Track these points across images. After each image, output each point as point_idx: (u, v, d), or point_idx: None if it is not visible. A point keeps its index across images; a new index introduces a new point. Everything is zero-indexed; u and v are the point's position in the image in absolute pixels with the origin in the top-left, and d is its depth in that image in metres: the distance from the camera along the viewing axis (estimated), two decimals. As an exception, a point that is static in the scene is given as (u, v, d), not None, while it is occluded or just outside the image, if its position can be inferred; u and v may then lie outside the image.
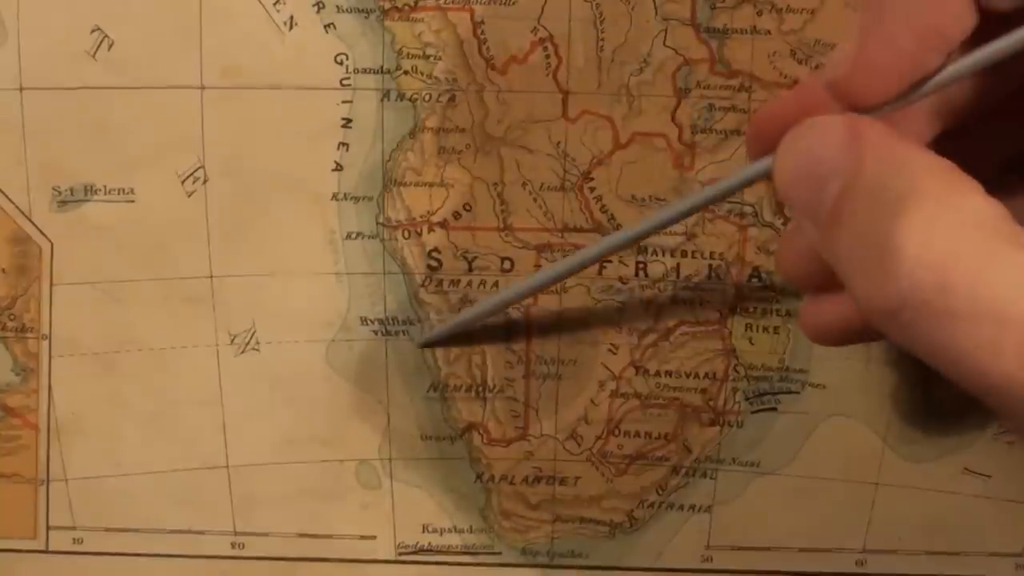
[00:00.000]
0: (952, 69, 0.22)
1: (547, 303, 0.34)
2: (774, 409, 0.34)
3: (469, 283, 0.34)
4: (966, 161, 0.24)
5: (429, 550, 0.35)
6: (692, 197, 0.27)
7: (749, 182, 0.26)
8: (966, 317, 0.19)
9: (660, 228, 0.28)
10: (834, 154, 0.22)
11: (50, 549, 0.35)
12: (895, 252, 0.20)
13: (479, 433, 0.35)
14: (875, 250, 0.21)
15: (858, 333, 0.25)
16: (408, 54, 0.33)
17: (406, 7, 0.32)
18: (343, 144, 0.33)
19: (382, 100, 0.33)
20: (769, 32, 0.32)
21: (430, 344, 0.34)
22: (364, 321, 0.34)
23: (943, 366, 0.20)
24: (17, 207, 0.33)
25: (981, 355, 0.19)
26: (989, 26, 0.22)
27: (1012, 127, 0.26)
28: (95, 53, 0.32)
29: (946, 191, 0.20)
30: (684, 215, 0.28)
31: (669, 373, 0.34)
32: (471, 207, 0.34)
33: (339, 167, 0.33)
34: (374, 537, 0.35)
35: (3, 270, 0.33)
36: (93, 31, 0.32)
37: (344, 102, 0.33)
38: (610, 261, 0.34)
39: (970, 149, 0.26)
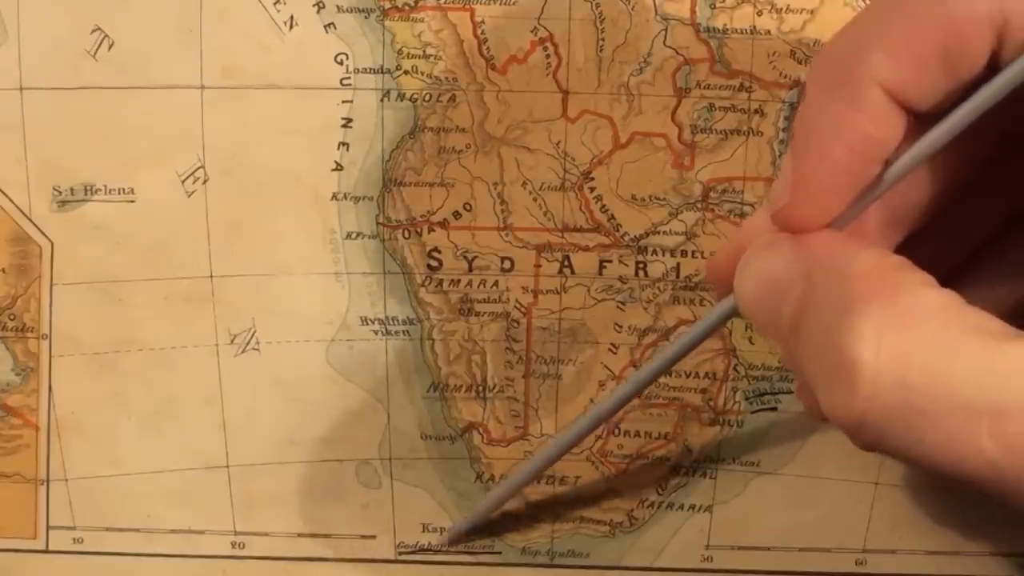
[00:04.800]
0: (890, 173, 0.22)
1: (547, 303, 0.34)
2: (774, 409, 0.34)
3: (469, 283, 0.34)
4: (946, 247, 0.24)
5: (429, 549, 0.35)
6: (662, 352, 0.27)
7: (720, 323, 0.26)
8: (934, 414, 0.19)
9: (647, 384, 0.29)
10: (784, 271, 0.22)
11: (50, 549, 0.35)
12: (851, 365, 0.20)
13: (479, 433, 0.35)
14: (832, 364, 0.20)
15: None
16: (408, 54, 0.33)
17: (406, 7, 0.32)
18: (343, 144, 0.33)
19: (382, 100, 0.33)
20: (769, 32, 0.32)
21: (455, 542, 0.35)
22: (364, 321, 0.34)
23: (924, 467, 0.20)
24: (17, 207, 0.33)
25: (957, 448, 0.19)
26: (920, 126, 0.22)
27: (981, 206, 0.26)
28: (95, 53, 0.32)
29: (891, 292, 0.20)
30: (656, 374, 0.28)
31: (669, 373, 0.34)
32: (471, 207, 0.34)
33: (339, 167, 0.33)
34: (374, 537, 0.35)
35: (3, 270, 0.33)
36: (93, 31, 0.32)
37: (344, 102, 0.33)
38: (610, 261, 0.34)
39: (946, 235, 0.25)
